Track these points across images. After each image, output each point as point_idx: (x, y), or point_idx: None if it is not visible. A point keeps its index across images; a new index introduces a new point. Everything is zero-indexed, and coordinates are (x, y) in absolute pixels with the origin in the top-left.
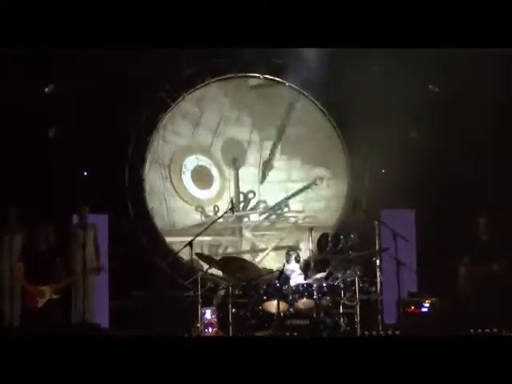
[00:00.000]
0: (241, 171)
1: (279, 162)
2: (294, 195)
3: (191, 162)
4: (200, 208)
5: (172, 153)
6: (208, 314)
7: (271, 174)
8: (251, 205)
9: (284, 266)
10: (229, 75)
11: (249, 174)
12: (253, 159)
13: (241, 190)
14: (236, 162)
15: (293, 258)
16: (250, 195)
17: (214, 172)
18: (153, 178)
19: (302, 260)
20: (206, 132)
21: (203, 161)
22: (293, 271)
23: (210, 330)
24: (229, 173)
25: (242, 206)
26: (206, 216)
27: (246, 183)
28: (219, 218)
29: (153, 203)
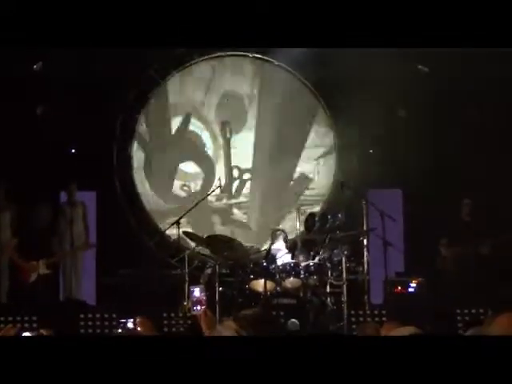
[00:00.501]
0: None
1: (265, 142)
2: None
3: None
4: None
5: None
6: (197, 291)
7: (258, 155)
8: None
9: (271, 245)
10: (218, 53)
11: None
12: (239, 139)
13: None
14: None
15: (280, 237)
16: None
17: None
18: (140, 156)
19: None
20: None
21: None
22: (279, 250)
23: (199, 307)
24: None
25: (235, 185)
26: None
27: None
28: (206, 197)
29: (140, 181)
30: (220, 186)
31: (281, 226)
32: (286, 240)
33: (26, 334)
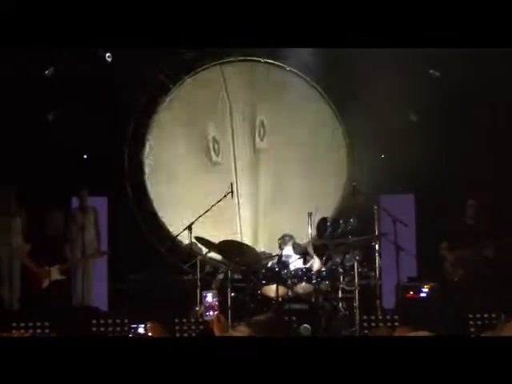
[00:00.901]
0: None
1: (277, 147)
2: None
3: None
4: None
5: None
6: (209, 297)
7: (270, 159)
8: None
9: (282, 250)
10: (229, 59)
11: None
12: (249, 144)
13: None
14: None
15: (289, 243)
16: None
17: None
18: (153, 161)
19: (299, 246)
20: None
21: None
22: (291, 256)
23: (211, 313)
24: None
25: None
26: None
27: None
28: (217, 203)
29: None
30: (231, 192)
31: (290, 232)
32: (294, 245)
33: None
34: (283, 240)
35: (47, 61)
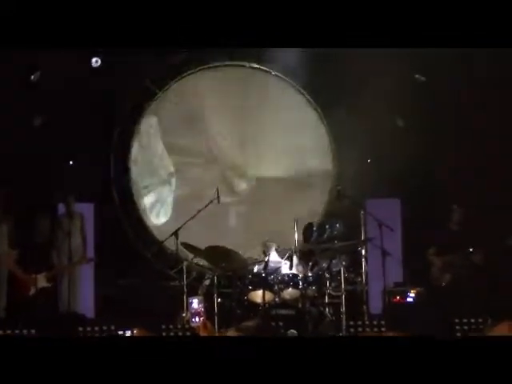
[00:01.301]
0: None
1: (263, 152)
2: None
3: None
4: None
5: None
6: (195, 303)
7: (256, 165)
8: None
9: (269, 256)
10: (215, 64)
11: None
12: (236, 149)
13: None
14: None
15: (272, 249)
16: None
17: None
18: (139, 167)
19: (281, 251)
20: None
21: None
22: (277, 261)
23: (197, 319)
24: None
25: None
26: None
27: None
28: (204, 208)
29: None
30: (218, 197)
31: (275, 237)
32: (277, 250)
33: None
34: (265, 246)
35: (33, 66)
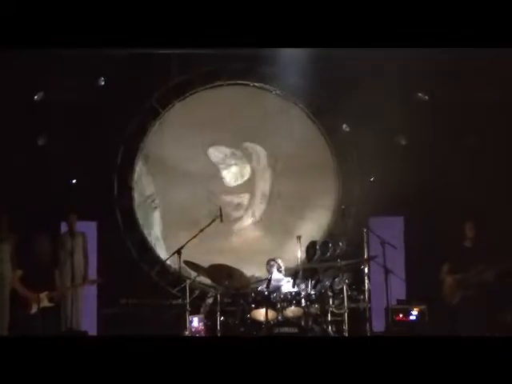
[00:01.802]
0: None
1: (267, 173)
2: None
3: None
4: None
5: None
6: (195, 321)
7: (260, 185)
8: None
9: (272, 274)
10: (218, 83)
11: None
12: (239, 168)
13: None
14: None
15: (275, 268)
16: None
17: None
18: (142, 187)
19: (284, 269)
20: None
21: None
22: (280, 280)
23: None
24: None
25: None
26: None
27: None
28: (207, 227)
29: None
30: (220, 216)
31: (277, 255)
32: (279, 270)
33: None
34: (269, 264)
35: (37, 85)
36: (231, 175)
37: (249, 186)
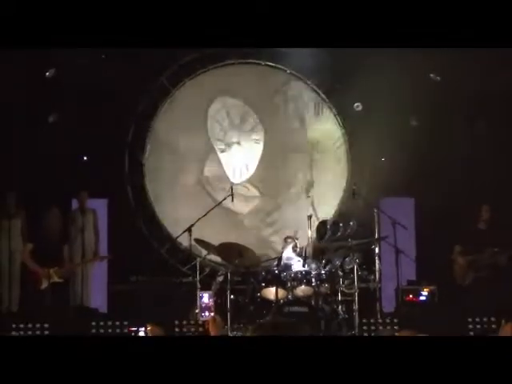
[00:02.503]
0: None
1: (277, 149)
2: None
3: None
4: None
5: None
6: (205, 298)
7: (269, 163)
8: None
9: (282, 253)
10: (229, 61)
11: (246, 159)
12: (249, 146)
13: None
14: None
15: (290, 246)
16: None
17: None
18: (153, 164)
19: (299, 249)
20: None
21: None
22: (291, 258)
23: (207, 313)
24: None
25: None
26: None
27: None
28: (217, 206)
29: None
30: (232, 195)
31: (293, 234)
32: (294, 248)
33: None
34: (286, 241)
35: (48, 62)
36: (238, 154)
37: (260, 165)
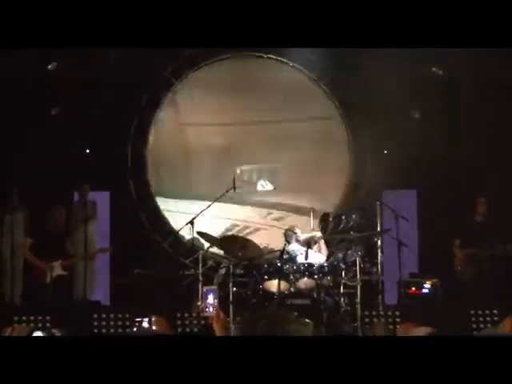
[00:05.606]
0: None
1: (279, 143)
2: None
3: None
4: None
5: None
6: (210, 298)
7: (271, 156)
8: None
9: (285, 245)
10: (232, 54)
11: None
12: (253, 139)
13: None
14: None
15: (293, 238)
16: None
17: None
18: (155, 157)
19: (301, 240)
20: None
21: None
22: (293, 251)
23: (211, 309)
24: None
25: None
26: None
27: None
28: (220, 198)
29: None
30: (234, 186)
31: (293, 226)
32: (297, 240)
33: (38, 333)
34: (286, 235)
35: (50, 56)
36: None
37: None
